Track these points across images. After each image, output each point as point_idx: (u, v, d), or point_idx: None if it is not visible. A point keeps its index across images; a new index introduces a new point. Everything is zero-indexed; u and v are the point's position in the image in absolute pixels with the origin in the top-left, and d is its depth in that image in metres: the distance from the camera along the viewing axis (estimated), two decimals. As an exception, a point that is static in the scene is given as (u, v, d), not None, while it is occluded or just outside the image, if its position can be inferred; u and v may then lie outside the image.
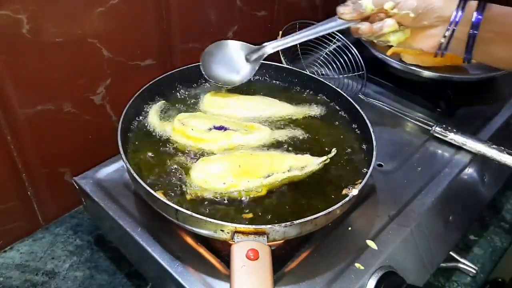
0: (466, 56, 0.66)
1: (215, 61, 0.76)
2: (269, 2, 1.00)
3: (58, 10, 0.66)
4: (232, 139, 0.71)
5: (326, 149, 0.72)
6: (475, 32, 0.63)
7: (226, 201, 0.63)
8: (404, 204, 0.73)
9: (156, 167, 0.66)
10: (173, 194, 0.63)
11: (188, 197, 0.62)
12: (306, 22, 1.01)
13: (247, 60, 0.76)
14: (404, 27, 0.67)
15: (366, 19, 0.67)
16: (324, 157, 0.69)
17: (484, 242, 0.87)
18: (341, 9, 0.68)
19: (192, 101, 0.80)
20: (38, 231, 0.82)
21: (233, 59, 0.77)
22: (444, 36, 0.65)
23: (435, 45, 0.67)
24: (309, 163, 0.68)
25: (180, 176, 0.65)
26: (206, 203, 0.62)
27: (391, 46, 0.74)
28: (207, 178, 0.63)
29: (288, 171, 0.66)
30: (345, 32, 1.05)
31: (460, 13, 0.63)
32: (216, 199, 0.63)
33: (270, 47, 0.74)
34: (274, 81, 0.88)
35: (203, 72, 0.75)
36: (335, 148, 0.71)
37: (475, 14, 0.62)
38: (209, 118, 0.75)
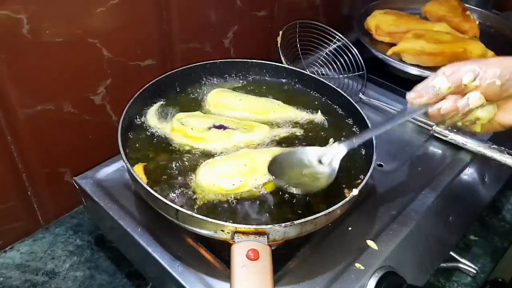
0: None
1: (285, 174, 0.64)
2: (269, 2, 1.00)
3: (58, 10, 0.66)
4: (232, 138, 0.71)
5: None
6: None
7: (236, 202, 0.62)
8: (404, 204, 0.73)
9: (157, 167, 0.66)
10: (177, 196, 0.62)
11: (199, 202, 0.61)
12: (306, 22, 1.02)
13: (321, 163, 0.65)
14: (491, 103, 0.59)
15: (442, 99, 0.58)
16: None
17: (484, 242, 0.86)
18: (411, 94, 0.59)
19: (192, 101, 0.80)
20: (38, 231, 0.82)
21: (306, 168, 0.65)
22: None
23: None
24: None
25: (183, 178, 0.65)
26: (218, 206, 0.62)
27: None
28: (215, 181, 0.63)
29: None
30: (345, 31, 1.06)
31: None
32: (228, 201, 0.62)
33: (344, 147, 0.64)
34: (275, 81, 0.88)
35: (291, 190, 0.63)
36: (332, 139, 0.72)
37: None
38: (209, 117, 0.75)
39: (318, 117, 0.79)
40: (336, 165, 0.63)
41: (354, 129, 0.77)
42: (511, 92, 0.57)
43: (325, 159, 0.64)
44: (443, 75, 0.58)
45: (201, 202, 0.62)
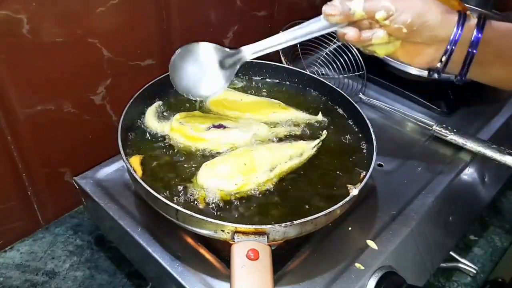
0: (460, 77, 0.61)
1: (184, 68, 0.67)
2: (269, 2, 1.00)
3: (58, 10, 0.66)
4: (231, 137, 0.71)
5: (325, 147, 0.73)
6: (473, 51, 0.58)
7: (239, 201, 0.62)
8: (404, 204, 0.73)
9: (157, 168, 0.66)
10: (178, 198, 0.62)
11: (202, 204, 0.61)
12: (306, 22, 1.01)
13: (222, 66, 0.66)
14: (394, 39, 0.61)
15: (354, 23, 0.61)
16: (317, 140, 0.71)
17: (484, 242, 0.86)
18: (327, 9, 0.61)
19: (191, 101, 0.80)
20: (38, 231, 0.82)
21: (205, 65, 0.66)
22: (441, 61, 0.59)
23: (425, 63, 0.62)
24: (305, 149, 0.70)
25: (184, 178, 0.65)
26: (221, 207, 0.61)
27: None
28: (217, 182, 0.63)
29: (290, 160, 0.68)
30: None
31: (459, 31, 0.57)
32: (231, 200, 0.62)
33: (249, 52, 0.65)
34: (275, 81, 0.88)
35: (173, 84, 0.67)
36: (325, 131, 0.73)
37: (474, 32, 0.57)
38: (208, 117, 0.75)
39: (319, 117, 0.79)
40: (233, 73, 0.65)
41: (354, 129, 0.77)
42: (415, 40, 0.59)
43: (225, 62, 0.66)
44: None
45: (204, 204, 0.61)
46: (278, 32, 0.94)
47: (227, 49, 0.66)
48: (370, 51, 0.63)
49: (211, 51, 0.66)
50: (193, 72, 0.67)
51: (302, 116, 0.79)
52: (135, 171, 0.61)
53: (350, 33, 0.60)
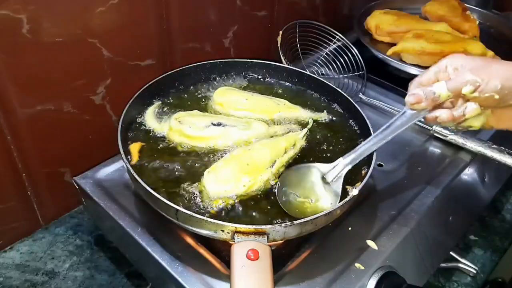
0: None
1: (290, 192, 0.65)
2: (269, 2, 1.00)
3: (58, 10, 0.66)
4: (231, 136, 0.71)
5: (324, 148, 0.73)
6: None
7: (250, 201, 0.63)
8: (404, 204, 0.73)
9: (158, 168, 0.66)
10: (185, 203, 0.62)
11: (212, 210, 0.61)
12: (306, 22, 1.02)
13: (325, 181, 0.65)
14: (485, 109, 0.59)
15: (439, 105, 0.59)
16: (305, 130, 0.74)
17: (484, 242, 0.86)
18: (410, 99, 0.58)
19: (191, 101, 0.80)
20: (38, 231, 0.82)
21: (311, 185, 0.66)
22: None
23: None
24: (297, 140, 0.72)
25: (186, 181, 0.65)
26: (231, 210, 0.62)
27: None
28: (224, 187, 0.63)
29: (285, 152, 0.69)
30: (345, 31, 1.06)
31: None
32: (242, 201, 0.63)
33: (345, 163, 0.64)
34: (275, 81, 0.88)
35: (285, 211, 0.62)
36: (311, 118, 0.76)
37: None
38: (207, 116, 0.75)
39: (324, 115, 0.79)
40: (340, 185, 0.63)
41: (354, 129, 0.77)
42: (508, 104, 0.57)
43: (329, 176, 0.65)
44: (442, 79, 0.58)
45: (215, 210, 0.61)
46: (278, 33, 0.95)
47: (325, 165, 0.66)
48: (464, 127, 0.61)
49: (312, 171, 0.66)
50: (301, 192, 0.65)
51: (307, 115, 0.79)
52: (134, 172, 0.61)
53: (443, 116, 0.59)
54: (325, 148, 0.73)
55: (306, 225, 0.57)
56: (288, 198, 0.63)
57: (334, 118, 0.80)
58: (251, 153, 0.67)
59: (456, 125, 0.61)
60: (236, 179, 0.64)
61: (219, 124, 0.72)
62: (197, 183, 0.64)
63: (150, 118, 0.74)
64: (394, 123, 0.62)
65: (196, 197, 0.63)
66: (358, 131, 0.77)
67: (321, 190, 0.65)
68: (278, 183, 0.65)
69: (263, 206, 0.63)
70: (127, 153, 0.67)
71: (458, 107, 0.58)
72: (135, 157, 0.67)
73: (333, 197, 0.63)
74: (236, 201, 0.63)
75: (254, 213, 0.61)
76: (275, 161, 0.67)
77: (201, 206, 0.62)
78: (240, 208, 0.62)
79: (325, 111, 0.80)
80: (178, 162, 0.67)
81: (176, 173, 0.66)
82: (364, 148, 0.64)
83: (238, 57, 0.91)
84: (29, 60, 0.67)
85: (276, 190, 0.64)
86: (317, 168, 0.66)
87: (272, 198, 0.64)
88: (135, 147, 0.69)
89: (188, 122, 0.72)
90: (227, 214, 0.61)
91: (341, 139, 0.75)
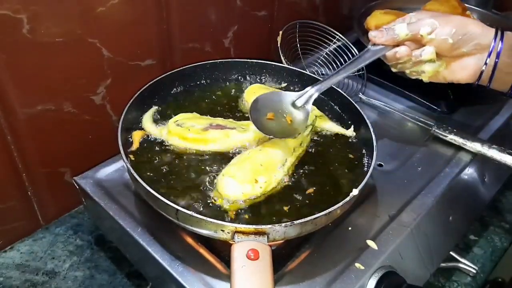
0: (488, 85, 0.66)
1: (263, 115, 0.68)
2: (269, 2, 1.00)
3: (58, 10, 0.66)
4: (230, 138, 0.71)
5: (326, 147, 0.73)
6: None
7: (267, 201, 0.63)
8: (404, 204, 0.73)
9: (158, 168, 0.66)
10: (200, 208, 0.62)
11: (231, 214, 0.61)
12: (306, 22, 1.02)
13: (295, 107, 0.70)
14: (439, 58, 0.66)
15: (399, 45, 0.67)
16: (309, 127, 0.74)
17: (484, 242, 0.87)
18: (373, 33, 0.67)
19: (191, 101, 0.80)
20: (38, 231, 0.82)
21: (282, 109, 0.70)
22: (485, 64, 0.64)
23: (471, 76, 0.66)
24: (303, 138, 0.72)
25: (194, 183, 0.65)
26: (249, 211, 0.62)
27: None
28: (242, 189, 0.63)
29: (294, 151, 0.69)
30: (345, 31, 1.06)
31: (498, 39, 0.62)
32: (260, 203, 0.63)
33: (315, 90, 0.69)
34: (275, 81, 0.88)
35: (259, 130, 0.65)
36: (315, 115, 0.76)
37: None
38: (204, 118, 0.75)
39: (349, 133, 0.76)
40: (309, 107, 0.69)
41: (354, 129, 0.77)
42: (460, 51, 0.64)
43: (298, 102, 0.70)
44: (403, 22, 0.66)
45: (234, 214, 0.61)
46: (278, 33, 0.95)
47: (294, 93, 0.71)
48: (418, 73, 0.69)
49: (282, 97, 0.71)
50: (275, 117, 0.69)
51: (334, 129, 0.77)
52: (135, 172, 0.60)
53: (402, 50, 0.66)
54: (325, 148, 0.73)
55: (306, 225, 0.58)
56: (263, 118, 0.67)
57: (333, 118, 0.80)
58: (261, 154, 0.67)
59: (411, 65, 0.68)
60: (252, 181, 0.63)
61: (217, 127, 0.72)
62: (201, 184, 0.64)
63: (148, 124, 0.73)
64: (358, 58, 0.70)
65: (199, 198, 0.63)
66: (358, 131, 0.76)
67: (293, 110, 0.70)
68: (250, 108, 0.67)
69: (263, 206, 0.63)
70: (127, 153, 0.67)
71: (418, 49, 0.66)
72: (135, 144, 0.69)
73: (304, 114, 0.69)
74: (256, 201, 0.63)
75: (254, 213, 0.61)
76: (286, 160, 0.67)
77: (213, 207, 0.62)
78: (265, 207, 0.63)
79: (352, 127, 0.77)
80: (180, 164, 0.67)
81: (177, 173, 0.66)
82: (330, 79, 0.70)
83: (238, 57, 0.91)
84: (29, 60, 0.67)
85: (249, 114, 0.66)
86: (287, 95, 0.71)
87: (272, 198, 0.64)
88: (138, 134, 0.71)
89: (186, 124, 0.71)
90: (238, 215, 0.61)
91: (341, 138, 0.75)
